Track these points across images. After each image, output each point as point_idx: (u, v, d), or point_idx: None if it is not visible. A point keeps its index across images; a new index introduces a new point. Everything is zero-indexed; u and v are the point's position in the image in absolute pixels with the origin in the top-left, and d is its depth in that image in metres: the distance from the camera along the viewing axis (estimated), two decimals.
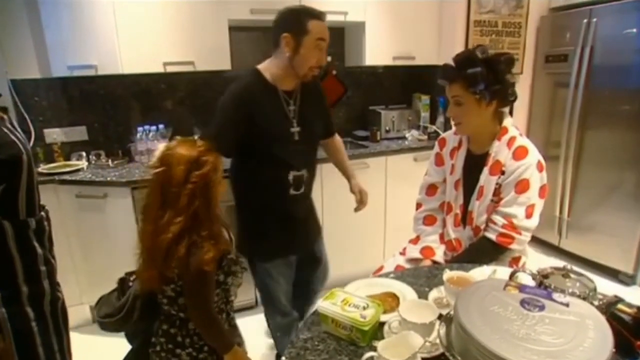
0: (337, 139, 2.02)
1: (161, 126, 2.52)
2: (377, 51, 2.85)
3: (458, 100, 1.46)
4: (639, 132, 2.59)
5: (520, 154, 1.45)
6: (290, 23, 1.55)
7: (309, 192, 1.79)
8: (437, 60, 3.04)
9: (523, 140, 1.49)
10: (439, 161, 1.71)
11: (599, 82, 2.74)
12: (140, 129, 2.47)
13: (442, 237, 1.68)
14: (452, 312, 0.90)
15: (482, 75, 1.38)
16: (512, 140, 1.48)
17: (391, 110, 3.16)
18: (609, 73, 2.69)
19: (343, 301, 1.02)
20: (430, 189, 1.74)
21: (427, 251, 1.63)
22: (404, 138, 3.10)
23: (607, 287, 2.77)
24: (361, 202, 1.92)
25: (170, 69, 2.34)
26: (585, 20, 2.73)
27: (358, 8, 2.68)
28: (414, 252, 1.65)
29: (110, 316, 1.25)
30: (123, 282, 1.31)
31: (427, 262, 1.59)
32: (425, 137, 3.05)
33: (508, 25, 2.94)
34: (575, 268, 1.00)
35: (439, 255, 1.62)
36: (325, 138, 1.94)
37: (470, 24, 2.84)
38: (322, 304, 1.02)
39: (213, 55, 2.43)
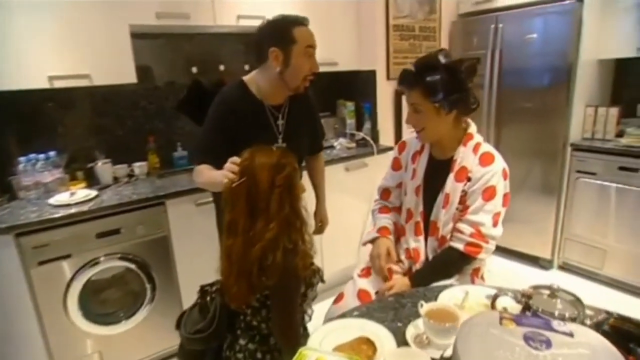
0: (321, 157, 1.94)
1: (52, 153, 2.10)
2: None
3: (416, 108, 1.39)
4: (540, 126, 2.83)
5: (486, 160, 1.40)
6: (275, 35, 1.47)
7: None
8: (359, 65, 2.99)
9: (488, 147, 1.45)
10: (395, 165, 1.64)
11: (509, 83, 2.92)
12: (23, 159, 2.02)
13: (398, 237, 1.62)
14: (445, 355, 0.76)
15: (442, 84, 1.31)
16: (477, 146, 1.43)
17: None
18: (516, 75, 2.88)
19: None
20: (385, 193, 1.69)
21: (382, 230, 1.60)
22: (332, 147, 2.99)
23: (530, 274, 2.95)
24: (319, 231, 1.91)
25: (60, 84, 1.93)
26: (492, 26, 2.88)
27: (276, 13, 2.50)
28: (372, 234, 1.62)
29: (200, 332, 1.21)
30: (204, 295, 1.28)
31: (385, 245, 1.52)
32: (354, 144, 2.98)
33: (424, 30, 3.00)
34: (562, 287, 0.93)
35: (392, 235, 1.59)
36: (311, 154, 1.86)
37: (390, 28, 2.83)
38: None
39: (114, 67, 2.07)
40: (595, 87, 2.85)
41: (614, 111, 2.71)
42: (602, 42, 2.72)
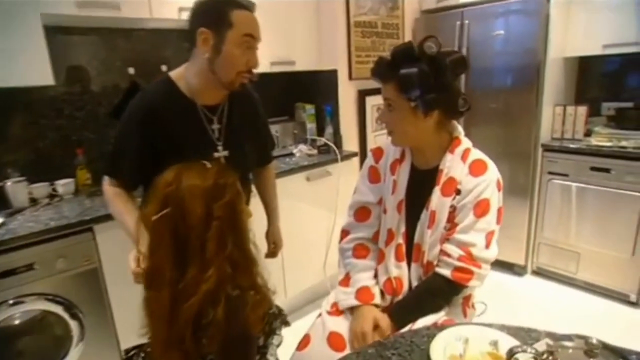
0: (271, 169, 1.65)
1: None
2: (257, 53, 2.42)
3: (390, 104, 1.16)
4: (510, 127, 2.71)
5: (478, 168, 1.18)
6: (208, 14, 1.18)
7: None
8: (319, 65, 2.74)
9: (479, 153, 1.22)
10: (373, 176, 1.35)
11: (476, 83, 2.78)
12: None
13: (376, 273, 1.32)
14: None
15: (419, 78, 1.07)
16: (466, 152, 1.20)
17: (273, 123, 2.76)
18: (483, 74, 2.75)
19: None
20: (361, 212, 1.36)
21: (363, 294, 1.25)
22: (291, 155, 2.73)
23: (504, 281, 2.82)
24: (272, 255, 1.64)
25: None
26: (458, 23, 2.73)
27: None
28: (349, 299, 1.26)
29: None
30: None
31: (371, 316, 1.20)
32: (315, 151, 2.73)
33: (387, 27, 2.81)
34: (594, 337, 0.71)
35: (379, 298, 1.27)
36: (259, 166, 1.57)
37: (351, 25, 2.61)
38: None
39: (22, 66, 1.70)
40: (562, 86, 2.78)
41: (582, 110, 2.63)
42: (568, 39, 2.65)
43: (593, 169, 2.46)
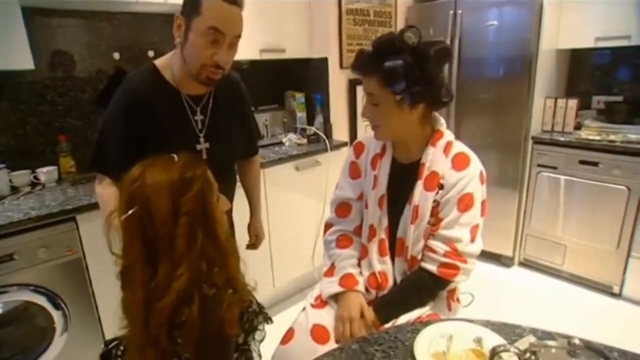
0: (256, 161, 1.62)
1: None
2: (242, 43, 2.34)
3: (374, 99, 1.12)
4: (501, 118, 2.70)
5: (461, 162, 1.16)
6: (185, 1, 1.14)
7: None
8: (310, 52, 2.70)
9: (461, 146, 1.20)
10: (354, 172, 1.33)
11: (468, 73, 2.76)
12: None
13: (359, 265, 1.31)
14: None
15: (404, 71, 1.04)
16: (449, 145, 1.18)
17: (262, 112, 2.74)
18: (475, 64, 2.73)
19: None
20: (342, 208, 1.35)
21: (347, 280, 1.25)
22: (280, 144, 2.70)
23: (491, 272, 2.84)
24: (253, 247, 1.62)
25: None
26: (451, 12, 2.70)
27: None
28: (332, 286, 1.26)
29: None
30: (108, 359, 0.95)
31: (357, 302, 1.20)
32: (305, 140, 2.70)
33: (379, 15, 2.76)
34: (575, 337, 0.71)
35: (363, 285, 1.26)
36: (244, 157, 1.53)
37: (343, 12, 2.56)
38: None
39: None
40: (554, 78, 2.77)
41: (573, 103, 2.63)
42: (561, 31, 2.63)
43: (582, 162, 2.47)
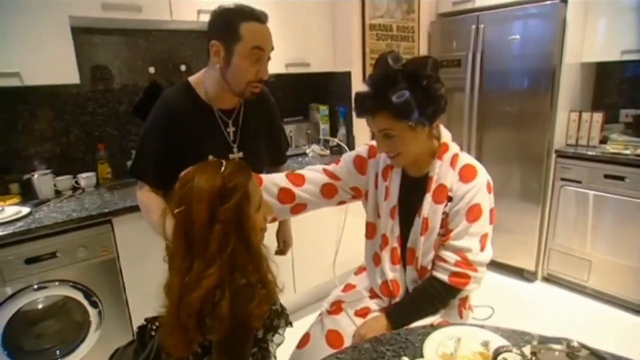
0: (283, 169, 1.66)
1: None
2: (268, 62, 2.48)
3: (388, 133, 1.14)
4: (523, 131, 2.70)
5: (467, 174, 1.18)
6: (219, 27, 1.24)
7: None
8: (334, 66, 2.79)
9: (467, 158, 1.23)
10: (359, 165, 1.35)
11: (490, 86, 2.78)
12: None
13: (375, 260, 1.35)
14: None
15: (414, 100, 1.06)
16: (455, 158, 1.21)
17: (288, 123, 2.83)
18: (498, 78, 2.74)
19: None
20: (328, 189, 1.34)
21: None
22: (304, 154, 2.79)
23: (513, 286, 2.81)
24: (281, 253, 1.69)
25: None
26: (473, 27, 2.73)
27: None
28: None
29: None
30: (143, 332, 1.06)
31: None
32: (328, 151, 2.78)
33: (402, 30, 2.83)
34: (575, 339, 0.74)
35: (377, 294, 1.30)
36: (273, 165, 1.61)
37: (366, 27, 2.65)
38: None
39: (50, 65, 1.80)
40: (578, 91, 2.74)
41: (598, 117, 2.60)
42: (586, 44, 2.62)
43: (607, 176, 2.44)
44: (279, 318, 1.05)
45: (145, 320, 1.09)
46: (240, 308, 0.86)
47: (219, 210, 0.86)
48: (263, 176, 1.30)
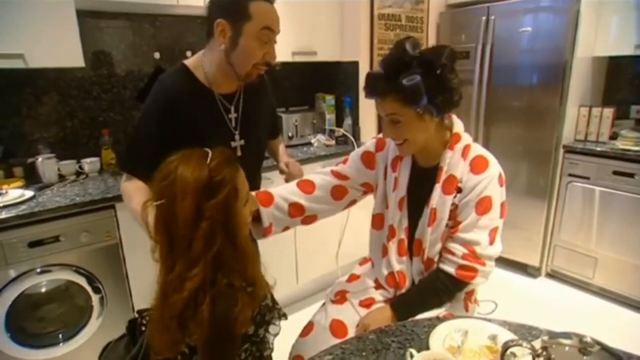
0: (278, 139, 1.68)
1: None
2: (275, 46, 2.43)
3: (395, 119, 1.12)
4: (532, 126, 2.66)
5: (479, 165, 1.16)
6: (226, 5, 1.16)
7: None
8: (341, 56, 2.76)
9: (479, 149, 1.20)
10: (367, 161, 1.33)
11: (500, 80, 2.74)
12: None
13: (385, 253, 1.33)
14: None
15: (424, 85, 1.04)
16: (466, 149, 1.18)
17: (293, 113, 2.81)
18: (507, 71, 2.70)
19: None
20: (337, 192, 1.33)
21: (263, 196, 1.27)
22: (309, 144, 2.76)
23: (517, 281, 2.80)
24: (291, 176, 1.49)
25: None
26: (484, 18, 2.69)
27: None
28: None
29: None
30: (134, 326, 1.01)
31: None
32: (333, 142, 2.75)
33: (411, 20, 2.79)
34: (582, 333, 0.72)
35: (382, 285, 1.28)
36: (269, 139, 1.60)
37: (375, 17, 2.61)
38: None
39: (55, 48, 1.77)
40: (589, 86, 2.70)
41: (609, 112, 2.56)
42: (598, 38, 2.57)
43: (616, 173, 2.41)
44: (270, 312, 0.99)
45: (137, 312, 1.05)
46: (221, 313, 0.80)
47: (205, 206, 0.80)
48: (273, 191, 1.28)
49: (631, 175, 2.35)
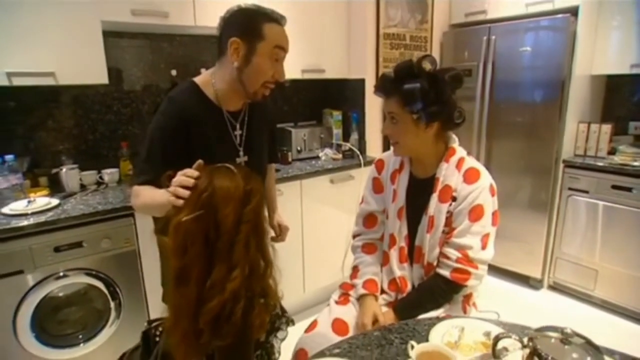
0: (273, 167, 1.73)
1: (9, 157, 1.91)
2: (285, 64, 2.55)
3: (393, 117, 1.27)
4: (532, 141, 2.76)
5: (471, 176, 1.27)
6: (241, 25, 1.22)
7: None
8: (348, 73, 2.88)
9: (472, 162, 1.32)
10: (377, 187, 1.47)
11: (501, 96, 2.84)
12: None
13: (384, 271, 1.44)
14: None
15: (421, 93, 1.18)
16: (461, 161, 1.30)
17: (301, 128, 2.92)
18: (508, 88, 2.81)
19: None
20: (369, 220, 1.49)
21: (370, 285, 1.38)
22: (317, 158, 2.87)
23: (519, 293, 2.85)
24: (280, 238, 1.60)
25: (19, 81, 1.76)
26: (485, 37, 2.81)
27: None
28: (357, 288, 1.39)
29: None
30: (147, 336, 1.05)
31: (371, 311, 1.31)
32: (340, 155, 2.86)
33: (415, 39, 2.91)
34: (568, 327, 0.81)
35: (385, 290, 1.39)
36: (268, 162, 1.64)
37: (380, 36, 2.73)
38: None
39: (82, 66, 1.91)
40: (587, 103, 2.80)
41: (607, 128, 2.65)
42: (596, 57, 2.68)
43: (615, 187, 2.48)
44: (279, 319, 1.07)
45: (147, 322, 1.08)
46: (248, 317, 0.86)
47: (244, 212, 0.86)
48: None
49: (629, 190, 2.42)
